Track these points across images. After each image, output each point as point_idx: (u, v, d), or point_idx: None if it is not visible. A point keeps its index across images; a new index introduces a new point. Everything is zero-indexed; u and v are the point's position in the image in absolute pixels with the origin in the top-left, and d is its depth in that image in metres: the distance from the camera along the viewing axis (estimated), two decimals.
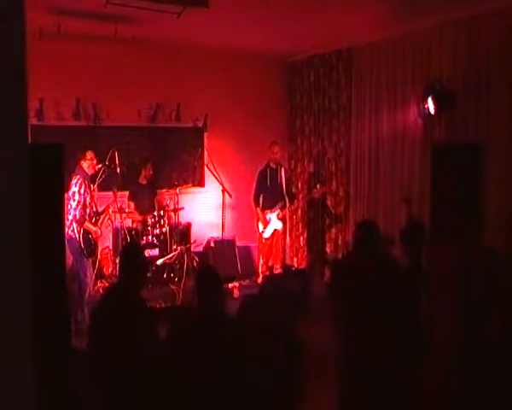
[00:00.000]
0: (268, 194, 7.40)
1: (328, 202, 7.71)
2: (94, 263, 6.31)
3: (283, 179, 7.41)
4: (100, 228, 6.03)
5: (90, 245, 5.83)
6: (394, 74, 6.47)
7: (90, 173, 5.93)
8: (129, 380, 3.10)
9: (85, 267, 5.83)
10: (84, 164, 5.86)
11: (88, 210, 5.85)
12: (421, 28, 5.97)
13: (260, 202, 7.46)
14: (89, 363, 3.40)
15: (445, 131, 5.76)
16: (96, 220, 6.00)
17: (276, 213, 7.34)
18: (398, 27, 6.17)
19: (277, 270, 7.35)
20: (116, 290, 3.65)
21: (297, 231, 8.40)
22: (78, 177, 5.73)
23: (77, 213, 5.66)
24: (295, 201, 7.64)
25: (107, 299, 3.58)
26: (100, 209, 6.15)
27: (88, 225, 5.80)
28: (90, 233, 5.85)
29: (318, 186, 7.50)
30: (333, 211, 7.68)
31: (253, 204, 7.56)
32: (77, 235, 5.68)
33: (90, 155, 5.90)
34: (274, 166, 7.40)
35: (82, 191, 5.68)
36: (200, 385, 2.98)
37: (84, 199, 5.74)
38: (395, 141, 6.49)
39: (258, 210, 7.45)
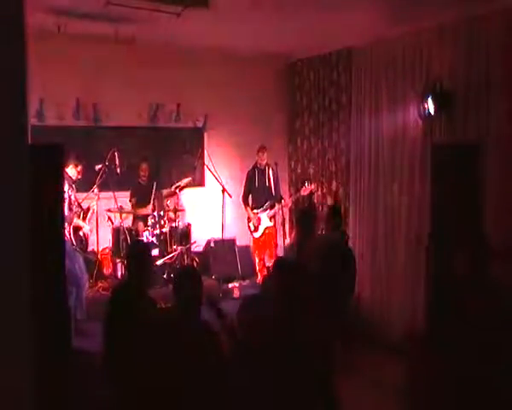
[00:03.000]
0: (256, 194, 7.47)
1: (329, 201, 7.69)
2: (89, 262, 6.41)
3: (271, 180, 7.43)
4: (87, 224, 6.20)
5: (81, 241, 5.94)
6: (394, 74, 6.46)
7: (74, 179, 6.01)
8: (146, 378, 3.09)
9: (80, 265, 5.93)
10: (71, 171, 5.96)
11: (74, 208, 5.96)
12: (421, 28, 5.96)
13: (250, 201, 7.51)
14: (104, 363, 3.41)
15: (444, 131, 5.75)
16: (84, 218, 6.11)
17: (266, 213, 7.38)
18: (398, 28, 6.16)
19: None
20: (125, 290, 3.66)
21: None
22: None
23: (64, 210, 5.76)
24: (281, 202, 7.54)
25: (118, 299, 3.59)
26: (84, 207, 6.26)
27: (77, 221, 5.92)
28: (80, 229, 5.99)
29: (306, 184, 7.50)
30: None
31: (242, 204, 7.58)
32: (66, 233, 5.76)
33: (76, 164, 6.01)
34: (262, 167, 7.44)
35: (66, 189, 5.77)
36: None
37: (69, 196, 5.82)
38: (395, 141, 6.48)
39: (248, 209, 7.50)
